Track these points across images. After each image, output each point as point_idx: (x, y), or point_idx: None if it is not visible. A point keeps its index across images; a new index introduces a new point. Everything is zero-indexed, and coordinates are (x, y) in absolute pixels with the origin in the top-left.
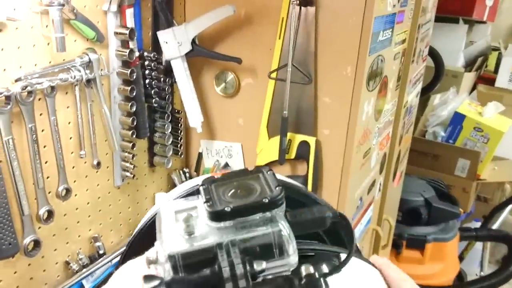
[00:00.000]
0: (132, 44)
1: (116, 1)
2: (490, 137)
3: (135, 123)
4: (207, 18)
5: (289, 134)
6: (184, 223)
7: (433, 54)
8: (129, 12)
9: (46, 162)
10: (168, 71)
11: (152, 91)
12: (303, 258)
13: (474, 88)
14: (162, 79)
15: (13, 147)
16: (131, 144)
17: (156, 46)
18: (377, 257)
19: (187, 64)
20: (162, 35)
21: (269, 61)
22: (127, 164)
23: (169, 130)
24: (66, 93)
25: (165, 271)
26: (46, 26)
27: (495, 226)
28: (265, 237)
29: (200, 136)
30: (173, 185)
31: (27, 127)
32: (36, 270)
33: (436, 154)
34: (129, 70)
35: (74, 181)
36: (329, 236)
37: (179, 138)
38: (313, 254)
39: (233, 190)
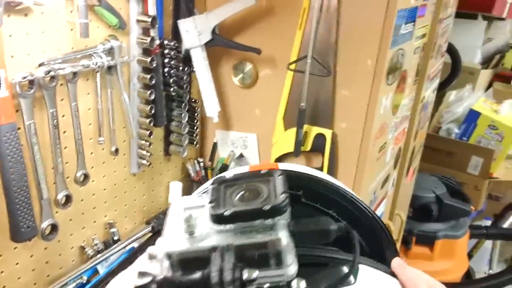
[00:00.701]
0: (153, 32)
1: None
2: (505, 135)
3: (153, 111)
4: (229, 8)
5: (305, 126)
6: (185, 222)
7: (451, 50)
8: (152, 0)
9: (65, 148)
10: (187, 60)
11: (171, 80)
12: (316, 266)
13: (490, 85)
14: (180, 67)
15: (35, 131)
16: (148, 132)
17: (176, 35)
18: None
19: (206, 54)
20: (183, 23)
21: (288, 52)
22: (144, 152)
23: (186, 119)
24: (87, 79)
25: (162, 268)
26: (71, 11)
27: (505, 225)
28: (262, 245)
29: (215, 126)
30: (187, 175)
31: (49, 112)
32: (52, 254)
33: (450, 151)
34: (149, 58)
35: (92, 167)
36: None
37: (195, 128)
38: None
39: (241, 193)
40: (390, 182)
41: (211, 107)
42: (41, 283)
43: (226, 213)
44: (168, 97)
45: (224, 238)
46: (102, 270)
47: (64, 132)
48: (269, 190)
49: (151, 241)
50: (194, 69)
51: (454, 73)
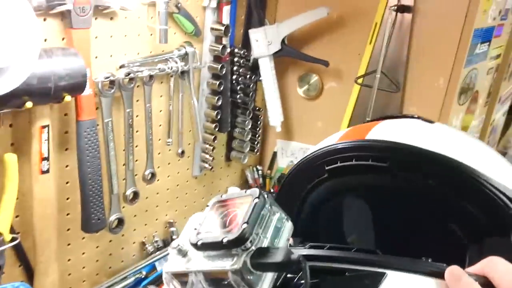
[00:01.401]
0: (225, 40)
1: None
2: None
3: (218, 117)
4: (300, 19)
5: None
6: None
7: None
8: (226, 9)
9: (136, 146)
10: (254, 68)
11: (238, 87)
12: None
13: None
14: (248, 76)
15: (111, 129)
16: (213, 137)
17: (246, 44)
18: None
19: (274, 63)
20: (254, 33)
21: (356, 66)
22: (207, 156)
23: (249, 126)
24: (161, 82)
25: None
26: (151, 17)
27: None
28: (222, 272)
29: (277, 136)
30: (245, 181)
31: (125, 111)
32: (116, 247)
33: None
34: (220, 65)
35: (158, 167)
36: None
37: (257, 135)
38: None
39: (221, 218)
40: None
41: (274, 116)
42: (103, 273)
43: (199, 243)
44: (234, 104)
45: (203, 262)
46: (159, 267)
47: (137, 131)
48: (243, 215)
49: None
50: (261, 78)
51: None
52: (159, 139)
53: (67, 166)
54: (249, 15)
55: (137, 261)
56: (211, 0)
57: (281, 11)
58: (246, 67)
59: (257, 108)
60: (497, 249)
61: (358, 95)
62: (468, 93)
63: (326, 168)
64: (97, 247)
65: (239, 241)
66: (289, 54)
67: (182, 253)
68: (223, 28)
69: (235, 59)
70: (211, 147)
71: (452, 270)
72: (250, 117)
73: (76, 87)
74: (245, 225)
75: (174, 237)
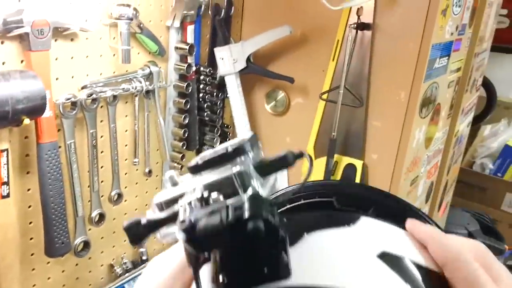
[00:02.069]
0: (190, 59)
1: (179, 18)
2: None
3: (186, 135)
4: (264, 37)
5: (336, 156)
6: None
7: (486, 84)
8: (190, 29)
9: (102, 167)
10: (221, 86)
11: (205, 105)
12: None
13: None
14: (215, 93)
15: (74, 150)
16: (181, 155)
17: (211, 62)
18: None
19: (240, 81)
20: (219, 51)
21: (320, 82)
22: None
23: (218, 143)
24: (126, 102)
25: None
26: (114, 38)
27: None
28: (225, 179)
29: None
30: None
31: (89, 132)
32: (83, 270)
33: (483, 187)
34: (186, 84)
35: (125, 187)
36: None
37: None
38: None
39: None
40: None
41: (242, 133)
42: None
43: (199, 162)
44: (201, 121)
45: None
46: None
47: (102, 152)
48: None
49: None
50: (227, 95)
51: (489, 107)
52: (126, 159)
53: (28, 189)
54: (214, 34)
55: (106, 284)
56: (175, 20)
57: (246, 29)
58: (212, 85)
59: (225, 125)
60: None
61: (323, 110)
62: (430, 106)
63: None
64: (63, 271)
65: (243, 147)
66: (255, 72)
67: (175, 182)
68: (187, 47)
69: (201, 77)
70: (180, 166)
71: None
72: (219, 134)
73: (35, 109)
74: (249, 134)
75: (143, 257)
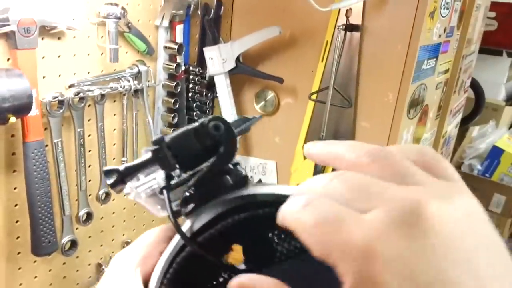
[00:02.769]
0: (179, 59)
1: (168, 17)
2: None
3: None
4: (253, 38)
5: None
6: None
7: (475, 85)
8: (179, 28)
9: (89, 166)
10: (210, 86)
11: (194, 104)
12: None
13: None
14: (204, 93)
15: (61, 149)
16: None
17: (201, 62)
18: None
19: (230, 81)
20: (208, 51)
21: (310, 83)
22: None
23: None
24: (114, 101)
25: None
26: (101, 37)
27: None
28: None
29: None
30: None
31: (76, 131)
32: (70, 269)
33: (471, 187)
34: (175, 83)
35: None
36: None
37: None
38: None
39: None
40: None
41: None
42: None
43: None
44: (191, 121)
45: None
46: None
47: (89, 151)
48: None
49: None
50: (217, 95)
51: (477, 108)
52: (114, 158)
53: (15, 188)
54: (203, 34)
55: (93, 283)
56: (163, 19)
57: (235, 29)
58: (202, 85)
59: None
60: None
61: (313, 110)
62: (418, 107)
63: None
64: (50, 270)
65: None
66: (244, 72)
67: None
68: (176, 46)
69: (191, 77)
70: None
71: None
72: None
73: (21, 108)
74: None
75: None
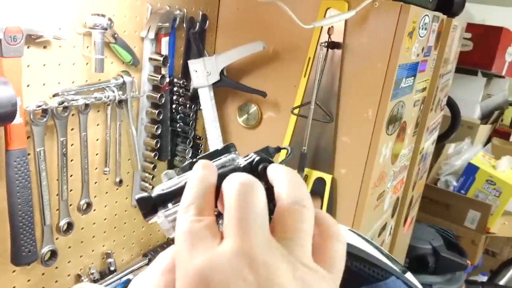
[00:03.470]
0: (164, 70)
1: (154, 29)
2: (503, 191)
3: (158, 145)
4: (238, 52)
5: (306, 170)
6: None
7: (451, 104)
8: (165, 41)
9: (71, 176)
10: (194, 98)
11: (178, 116)
12: None
13: (489, 140)
14: (188, 105)
15: (44, 158)
16: (152, 165)
17: (185, 74)
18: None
19: (213, 93)
20: (193, 64)
21: (292, 97)
22: (146, 185)
23: (190, 155)
24: (98, 111)
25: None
26: (87, 47)
27: (502, 282)
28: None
29: None
30: None
31: (59, 140)
32: (49, 280)
33: (447, 203)
34: (159, 95)
35: (95, 196)
36: None
37: None
38: None
39: None
40: (388, 231)
41: (215, 145)
42: None
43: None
44: (174, 132)
45: None
46: None
47: (72, 160)
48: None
49: None
50: (200, 107)
51: (453, 126)
52: (96, 168)
53: None
54: (188, 47)
55: None
56: (149, 32)
57: (220, 43)
58: (185, 97)
59: (198, 137)
60: None
61: (295, 124)
62: (396, 124)
63: None
64: (28, 280)
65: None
66: (228, 85)
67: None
68: (161, 58)
69: (175, 89)
70: (151, 176)
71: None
72: (191, 145)
73: (5, 116)
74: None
75: (111, 268)
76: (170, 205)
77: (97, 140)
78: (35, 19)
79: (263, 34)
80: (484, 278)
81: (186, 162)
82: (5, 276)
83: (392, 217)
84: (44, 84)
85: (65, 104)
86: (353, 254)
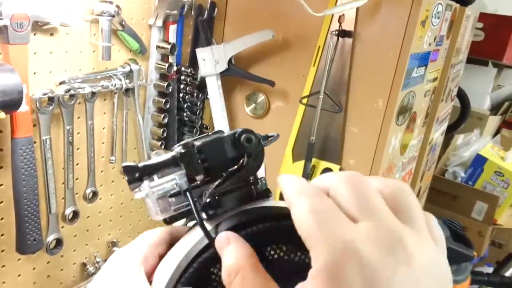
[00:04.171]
0: (171, 59)
1: (162, 17)
2: (511, 182)
3: (165, 135)
4: (246, 40)
5: (313, 160)
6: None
7: (461, 94)
8: (172, 28)
9: (77, 164)
10: (201, 87)
11: (185, 105)
12: None
13: (498, 132)
14: (195, 94)
15: (50, 146)
16: None
17: (193, 62)
18: None
19: (221, 82)
20: (201, 52)
21: (301, 87)
22: None
23: None
24: (105, 99)
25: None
26: (94, 34)
27: (508, 273)
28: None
29: None
30: None
31: (65, 128)
32: (54, 268)
33: (455, 195)
34: (166, 83)
35: (101, 185)
36: None
37: None
38: None
39: None
40: None
41: None
42: None
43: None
44: (181, 121)
45: None
46: None
47: (78, 149)
48: None
49: None
50: (208, 96)
51: (463, 117)
52: (102, 157)
53: (1, 185)
54: (196, 35)
55: (77, 282)
56: (157, 19)
57: (228, 31)
58: (193, 86)
59: (205, 126)
60: None
61: (303, 114)
62: (406, 114)
63: None
64: (34, 268)
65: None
66: (236, 74)
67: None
68: (169, 46)
69: (182, 78)
70: None
71: None
72: (198, 135)
73: (11, 103)
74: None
75: None
76: (156, 178)
77: (103, 128)
78: (42, 6)
79: (272, 22)
80: (490, 269)
81: (187, 140)
82: (10, 265)
83: None
84: (50, 72)
85: (72, 92)
86: None
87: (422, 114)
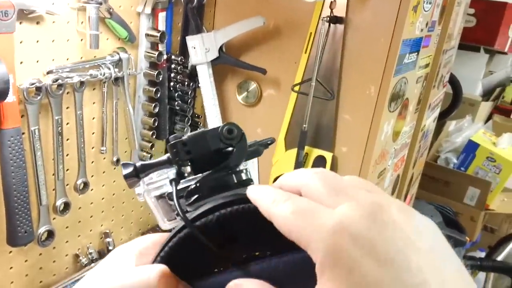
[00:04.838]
0: (161, 47)
1: (150, 4)
2: (503, 168)
3: (156, 124)
4: (237, 27)
5: (306, 148)
6: None
7: (453, 80)
8: (162, 16)
9: (67, 155)
10: (192, 75)
11: (176, 94)
12: None
13: (490, 117)
14: (186, 83)
15: (38, 137)
16: (150, 144)
17: (183, 51)
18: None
19: (212, 71)
20: (191, 40)
21: (292, 74)
22: None
23: (188, 133)
24: (94, 89)
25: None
26: (82, 22)
27: (500, 258)
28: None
29: None
30: None
31: (54, 119)
32: (47, 260)
33: (447, 181)
34: (156, 72)
35: (92, 176)
36: None
37: None
38: None
39: None
40: None
41: (213, 123)
42: None
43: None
44: (172, 111)
45: None
46: None
47: (67, 139)
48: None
49: None
50: (199, 85)
51: (455, 103)
52: (92, 147)
53: None
54: (186, 22)
55: (70, 274)
56: (146, 6)
57: (219, 19)
58: (184, 74)
59: (196, 115)
60: None
61: (295, 102)
62: (399, 101)
63: None
64: (25, 261)
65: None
66: (227, 62)
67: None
68: (158, 34)
69: (173, 66)
70: (149, 155)
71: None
72: (189, 124)
73: None
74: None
75: (110, 248)
76: (153, 176)
77: (93, 118)
78: None
79: (263, 9)
80: (482, 254)
81: (176, 134)
82: (1, 257)
83: (393, 195)
84: (37, 61)
85: (60, 81)
86: None
87: (414, 101)
